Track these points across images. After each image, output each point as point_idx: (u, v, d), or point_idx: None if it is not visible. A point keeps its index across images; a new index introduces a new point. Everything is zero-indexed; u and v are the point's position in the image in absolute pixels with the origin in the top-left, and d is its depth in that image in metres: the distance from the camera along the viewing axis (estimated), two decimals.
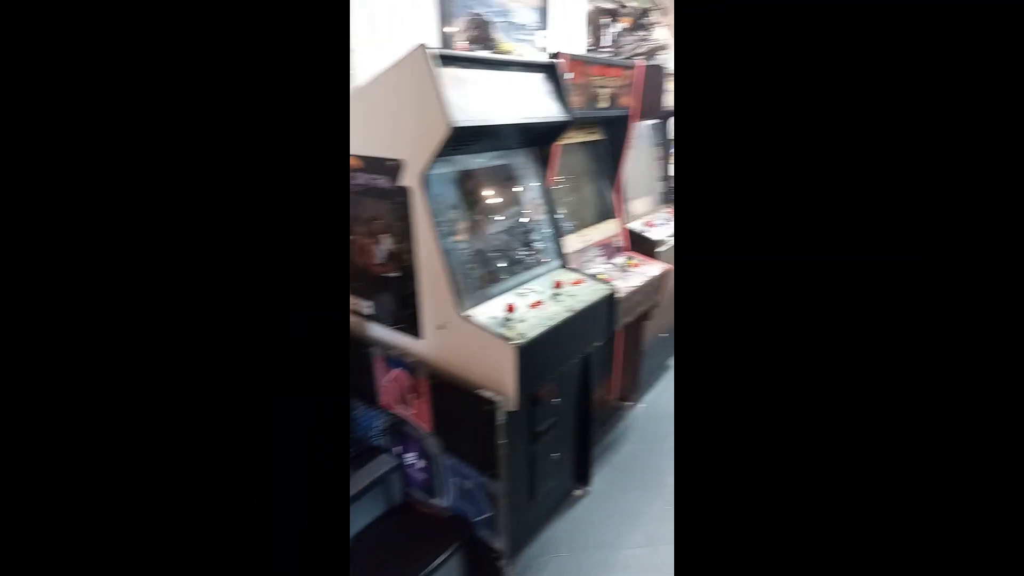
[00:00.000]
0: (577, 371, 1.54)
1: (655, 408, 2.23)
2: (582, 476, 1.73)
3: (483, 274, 1.31)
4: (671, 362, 2.55)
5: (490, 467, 1.23)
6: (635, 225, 2.03)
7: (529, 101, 1.37)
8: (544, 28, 2.36)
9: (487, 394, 1.17)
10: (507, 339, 1.13)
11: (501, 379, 1.16)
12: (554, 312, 1.28)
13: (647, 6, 2.07)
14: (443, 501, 1.41)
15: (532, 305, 1.29)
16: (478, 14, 2.00)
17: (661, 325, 2.25)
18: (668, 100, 2.07)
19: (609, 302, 1.45)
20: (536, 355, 1.18)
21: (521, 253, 1.45)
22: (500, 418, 1.16)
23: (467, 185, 1.35)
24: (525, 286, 1.39)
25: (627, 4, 2.09)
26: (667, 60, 2.11)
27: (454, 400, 1.25)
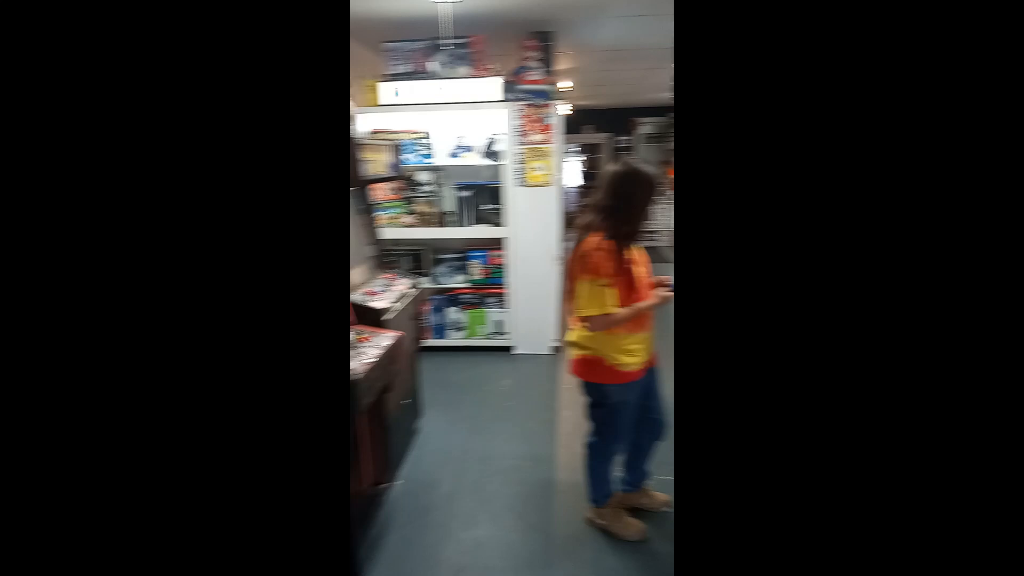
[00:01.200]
0: None
1: (412, 480, 2.12)
2: None
3: None
4: (418, 426, 2.50)
5: None
6: (356, 296, 1.93)
7: None
8: None
9: None
10: None
11: None
12: None
13: None
14: None
15: None
16: None
17: (403, 391, 2.18)
18: (366, 169, 2.07)
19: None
20: None
21: None
22: None
23: None
24: None
25: None
26: (359, 130, 2.13)
27: None
